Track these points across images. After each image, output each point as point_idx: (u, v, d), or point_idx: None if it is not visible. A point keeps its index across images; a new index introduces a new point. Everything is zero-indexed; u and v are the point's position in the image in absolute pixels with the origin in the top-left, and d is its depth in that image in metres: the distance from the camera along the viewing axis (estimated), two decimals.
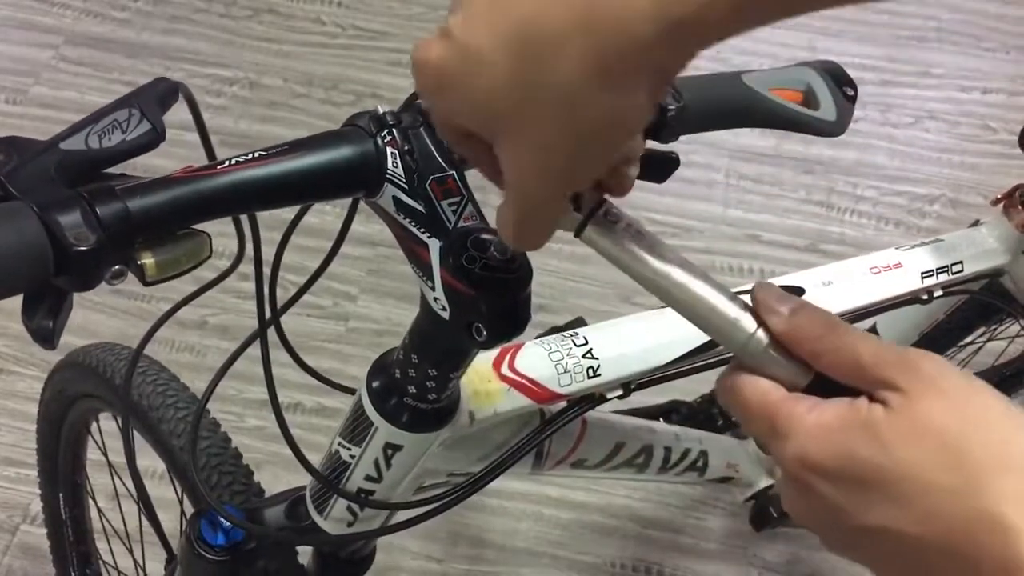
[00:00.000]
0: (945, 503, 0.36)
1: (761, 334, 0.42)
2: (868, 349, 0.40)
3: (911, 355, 0.40)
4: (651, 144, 0.59)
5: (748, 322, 0.43)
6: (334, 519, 0.69)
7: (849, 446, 0.38)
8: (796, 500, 0.41)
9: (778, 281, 0.77)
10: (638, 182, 0.61)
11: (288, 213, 0.56)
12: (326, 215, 1.59)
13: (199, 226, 0.47)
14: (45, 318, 0.44)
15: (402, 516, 0.68)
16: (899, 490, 0.37)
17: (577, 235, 0.45)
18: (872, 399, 0.39)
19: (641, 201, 1.80)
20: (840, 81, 0.63)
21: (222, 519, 0.73)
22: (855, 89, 0.64)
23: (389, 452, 0.63)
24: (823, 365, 0.41)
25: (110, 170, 0.47)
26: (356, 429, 0.63)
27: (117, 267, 0.44)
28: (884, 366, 0.39)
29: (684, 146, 0.57)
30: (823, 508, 0.40)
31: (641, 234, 0.45)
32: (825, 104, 0.62)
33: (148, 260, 0.45)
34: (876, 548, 0.39)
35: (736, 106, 0.61)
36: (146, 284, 0.45)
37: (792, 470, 0.40)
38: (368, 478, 0.65)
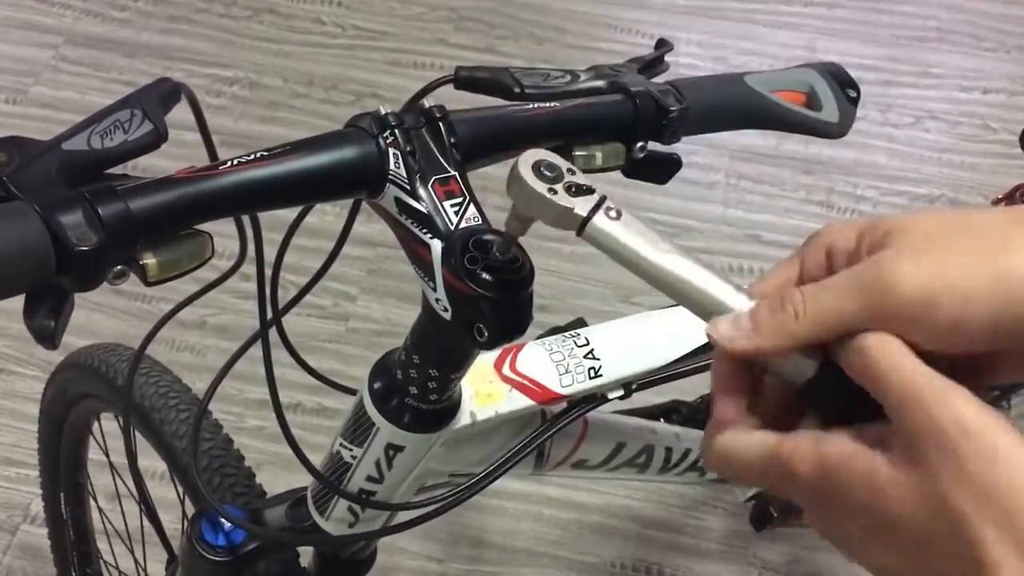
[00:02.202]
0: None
1: None
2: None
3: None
4: (653, 145, 0.59)
5: None
6: (335, 520, 0.69)
7: (852, 498, 0.37)
8: (822, 526, 0.40)
9: None
10: (638, 182, 0.61)
11: (289, 213, 0.56)
12: (326, 215, 1.59)
13: (201, 226, 0.47)
14: (47, 318, 0.44)
15: (404, 516, 0.68)
16: (901, 551, 0.36)
17: (579, 234, 0.45)
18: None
19: (641, 201, 1.80)
20: (842, 83, 0.63)
21: (223, 520, 0.73)
22: (857, 91, 0.64)
23: (391, 453, 0.63)
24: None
25: (112, 170, 0.47)
26: (357, 430, 0.63)
27: (119, 267, 0.44)
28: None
29: (685, 146, 0.57)
30: (845, 542, 0.39)
31: (643, 229, 0.44)
32: (827, 106, 0.62)
33: (150, 260, 0.45)
34: None
35: (739, 108, 0.61)
36: (148, 284, 0.45)
37: (809, 509, 0.40)
38: (370, 479, 0.65)
